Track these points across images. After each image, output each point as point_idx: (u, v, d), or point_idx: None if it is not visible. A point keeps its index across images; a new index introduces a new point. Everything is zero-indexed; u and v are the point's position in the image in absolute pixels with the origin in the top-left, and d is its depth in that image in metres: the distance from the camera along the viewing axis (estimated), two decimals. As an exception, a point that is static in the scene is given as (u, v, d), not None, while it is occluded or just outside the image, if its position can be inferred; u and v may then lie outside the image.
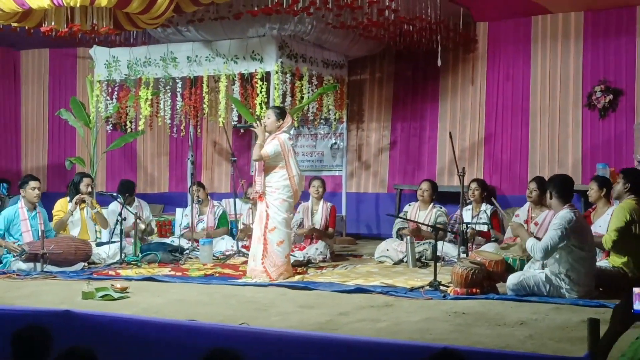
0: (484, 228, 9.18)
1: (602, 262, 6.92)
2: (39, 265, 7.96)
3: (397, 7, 9.21)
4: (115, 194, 9.60)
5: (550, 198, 6.59)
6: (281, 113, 8.04)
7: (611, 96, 10.32)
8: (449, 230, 9.10)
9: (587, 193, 7.92)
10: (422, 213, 9.46)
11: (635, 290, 5.86)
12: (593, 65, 10.55)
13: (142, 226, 9.51)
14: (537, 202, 8.68)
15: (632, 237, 6.76)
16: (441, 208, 9.55)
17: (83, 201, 9.08)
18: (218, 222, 10.22)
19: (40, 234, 8.15)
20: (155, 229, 10.46)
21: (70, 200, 9.13)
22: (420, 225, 9.00)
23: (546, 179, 8.64)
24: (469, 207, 9.46)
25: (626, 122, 10.27)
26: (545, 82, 10.87)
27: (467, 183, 9.69)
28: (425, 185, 9.60)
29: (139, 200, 10.37)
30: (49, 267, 7.99)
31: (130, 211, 9.23)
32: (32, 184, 8.55)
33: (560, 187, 6.58)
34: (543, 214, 8.41)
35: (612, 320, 3.58)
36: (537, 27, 10.95)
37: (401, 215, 9.84)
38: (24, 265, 8.03)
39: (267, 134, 7.95)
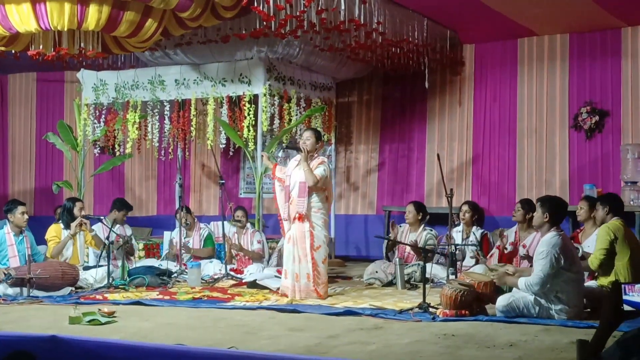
0: (473, 249, 9.18)
1: (589, 283, 6.94)
2: (25, 290, 7.89)
3: (385, 30, 9.26)
4: (101, 218, 9.55)
5: (544, 217, 6.55)
6: (319, 135, 8.19)
7: (597, 117, 10.39)
8: (438, 252, 9.09)
9: (577, 213, 7.98)
10: (413, 235, 9.47)
11: (624, 286, 5.90)
12: (579, 86, 10.64)
13: (119, 243, 9.37)
14: (522, 221, 8.70)
15: (614, 256, 6.81)
16: (431, 230, 9.55)
17: (83, 223, 9.05)
18: (204, 243, 10.18)
19: (27, 258, 8.08)
20: (138, 250, 10.33)
21: (65, 227, 9.07)
22: (412, 247, 9.02)
23: (534, 199, 8.69)
24: (459, 228, 9.47)
25: (612, 143, 10.34)
26: (532, 103, 10.94)
27: (458, 205, 9.70)
28: (409, 207, 9.62)
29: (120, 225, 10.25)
30: (36, 292, 7.91)
31: (114, 232, 9.16)
32: (21, 208, 8.51)
33: (553, 209, 6.55)
34: (531, 236, 8.42)
35: (601, 319, 3.57)
36: (524, 49, 11.04)
37: (390, 235, 9.83)
38: (10, 290, 7.95)
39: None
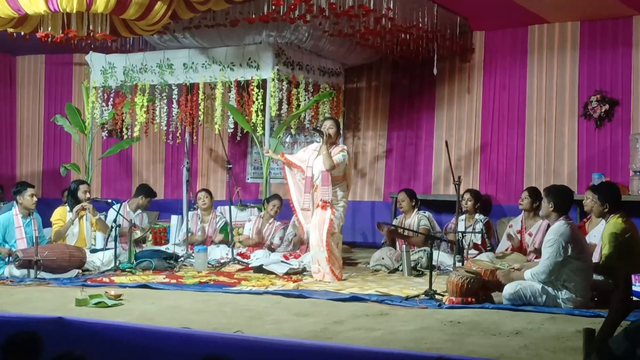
0: (478, 237, 9.18)
1: (596, 277, 6.87)
2: (32, 271, 7.92)
3: (394, 15, 9.21)
4: (110, 201, 9.58)
5: (550, 207, 6.52)
6: (339, 125, 8.55)
7: (607, 106, 10.32)
8: (437, 237, 9.06)
9: (583, 202, 7.89)
10: (408, 221, 9.55)
11: (633, 277, 5.85)
12: (589, 75, 10.56)
13: (138, 233, 9.49)
14: (529, 209, 8.70)
15: (624, 254, 6.68)
16: (425, 212, 9.62)
17: (83, 209, 9.07)
18: (218, 233, 10.22)
19: (34, 240, 8.11)
20: (150, 237, 10.42)
21: (70, 210, 9.10)
22: (408, 231, 9.10)
23: (541, 188, 8.66)
24: (463, 216, 9.48)
25: (622, 132, 10.27)
26: (542, 91, 10.88)
27: (462, 193, 9.71)
28: (400, 196, 9.73)
29: (141, 210, 10.33)
30: (43, 274, 7.95)
31: (124, 218, 9.21)
32: (30, 191, 8.56)
33: (559, 198, 6.52)
34: (537, 224, 8.43)
35: (611, 308, 3.56)
36: (534, 37, 10.95)
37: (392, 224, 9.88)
38: (17, 272, 8.00)
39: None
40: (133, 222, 9.36)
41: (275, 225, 10.01)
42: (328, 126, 8.22)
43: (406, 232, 9.28)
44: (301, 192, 8.36)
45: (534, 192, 8.81)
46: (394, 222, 9.98)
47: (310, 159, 8.25)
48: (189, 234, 9.98)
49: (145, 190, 10.33)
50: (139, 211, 10.21)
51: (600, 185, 7.51)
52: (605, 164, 10.33)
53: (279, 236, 9.95)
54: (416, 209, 9.68)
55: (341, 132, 11.58)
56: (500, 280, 6.62)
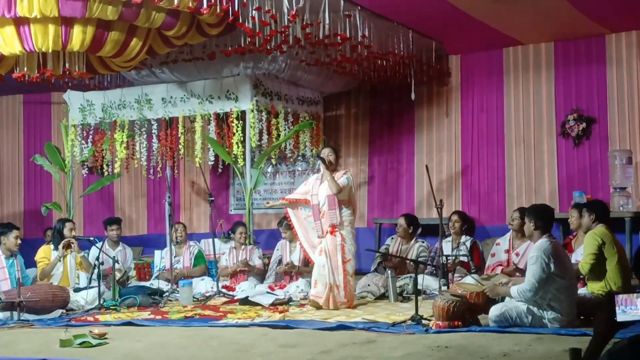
0: (464, 260, 9.18)
1: (580, 290, 6.95)
2: (15, 314, 7.83)
3: (370, 43, 9.27)
4: (92, 238, 9.52)
5: (530, 223, 6.58)
6: (337, 152, 8.76)
7: (584, 124, 10.42)
8: (429, 263, 9.10)
9: (569, 221, 8.03)
10: (405, 247, 9.52)
11: (617, 297, 5.89)
12: (565, 94, 10.67)
13: (118, 275, 9.41)
14: (518, 230, 8.73)
15: (605, 261, 6.87)
16: (423, 242, 9.59)
17: (69, 246, 9.00)
18: (194, 262, 10.15)
19: (17, 281, 8.03)
20: (134, 275, 10.33)
21: (55, 248, 9.03)
22: (403, 259, 9.07)
23: (525, 207, 8.73)
24: (449, 239, 9.49)
25: (600, 149, 10.36)
26: (519, 112, 10.97)
27: (448, 215, 9.73)
28: (401, 220, 9.69)
29: (123, 244, 10.25)
30: (26, 315, 7.85)
31: (108, 255, 9.15)
32: (15, 232, 8.50)
33: (540, 217, 6.59)
34: (524, 245, 8.47)
35: (595, 330, 3.56)
36: (509, 59, 11.07)
37: (382, 249, 9.85)
38: (0, 315, 7.90)
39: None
40: (115, 258, 9.28)
41: (248, 249, 9.99)
42: (327, 153, 8.39)
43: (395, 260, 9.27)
44: (307, 230, 8.53)
45: (523, 212, 8.86)
46: (388, 241, 9.90)
47: (314, 188, 8.42)
48: (165, 270, 9.89)
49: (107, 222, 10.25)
50: (120, 247, 10.11)
51: (592, 201, 7.75)
52: (586, 182, 10.40)
53: (257, 256, 9.93)
54: (415, 237, 9.63)
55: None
56: (487, 294, 6.65)
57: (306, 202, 8.53)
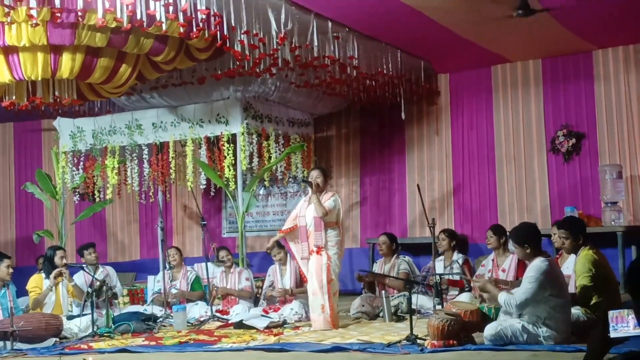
0: (457, 278, 9.17)
1: (574, 310, 6.90)
2: (8, 343, 7.77)
3: (359, 63, 9.32)
4: (84, 266, 9.47)
5: (523, 248, 6.53)
6: (326, 173, 8.70)
7: (574, 140, 10.47)
8: (421, 282, 9.09)
9: (552, 239, 7.97)
10: (387, 266, 9.53)
11: (611, 313, 5.89)
12: (554, 110, 10.72)
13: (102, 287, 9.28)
14: (497, 246, 8.74)
15: (598, 287, 6.77)
16: (404, 257, 9.61)
17: (61, 274, 8.94)
18: (191, 287, 10.09)
19: (9, 310, 7.98)
20: (126, 296, 10.25)
21: (46, 276, 8.97)
22: (387, 277, 9.11)
23: (517, 224, 8.70)
24: (441, 257, 9.49)
25: (590, 164, 10.40)
26: (509, 129, 11.02)
27: (437, 234, 9.73)
28: (381, 239, 9.70)
29: (102, 266, 10.13)
30: (19, 345, 7.79)
31: (96, 279, 9.07)
32: (7, 262, 8.42)
33: (529, 239, 6.53)
34: (508, 260, 8.50)
35: (589, 346, 3.55)
36: (498, 76, 11.14)
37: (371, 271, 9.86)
38: (-7, 344, 7.85)
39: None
40: (108, 284, 9.21)
41: (237, 271, 9.93)
42: (315, 176, 8.35)
43: (386, 280, 9.26)
44: (299, 242, 8.45)
45: (497, 229, 8.89)
46: (374, 267, 9.95)
47: (302, 210, 8.41)
48: (160, 293, 9.83)
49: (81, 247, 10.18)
50: (101, 269, 9.97)
51: (567, 221, 7.51)
52: (577, 197, 10.43)
53: (245, 277, 9.86)
54: (396, 254, 9.66)
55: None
56: (478, 287, 6.61)
57: (293, 229, 8.51)
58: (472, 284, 6.74)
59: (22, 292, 9.17)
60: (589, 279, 6.71)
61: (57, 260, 9.03)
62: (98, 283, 9.05)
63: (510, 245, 7.03)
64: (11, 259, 8.63)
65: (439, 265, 9.31)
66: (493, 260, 8.88)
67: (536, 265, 6.38)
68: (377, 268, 9.74)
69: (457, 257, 9.47)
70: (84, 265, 9.49)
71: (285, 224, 8.73)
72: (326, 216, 8.18)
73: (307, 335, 7.83)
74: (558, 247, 7.66)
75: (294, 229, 8.51)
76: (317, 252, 8.21)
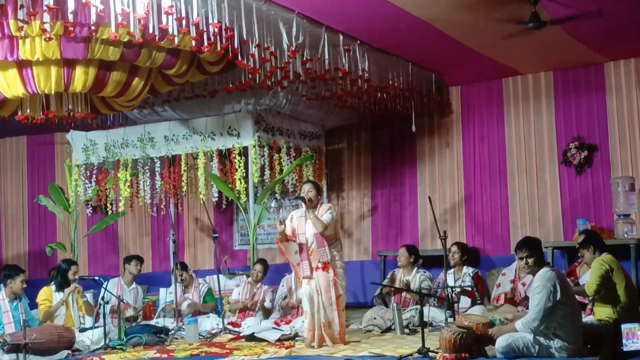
0: (469, 289, 9.15)
1: (587, 318, 6.92)
2: (21, 356, 7.79)
3: (370, 76, 9.34)
4: (97, 278, 9.49)
5: (526, 262, 6.57)
6: (319, 187, 8.40)
7: (586, 152, 10.44)
8: (433, 295, 9.08)
9: (585, 262, 7.98)
10: (407, 277, 9.52)
11: (624, 327, 5.91)
12: (566, 122, 10.70)
13: (129, 312, 9.41)
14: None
15: (613, 287, 6.87)
16: (425, 272, 9.59)
17: (76, 291, 8.98)
18: (204, 300, 10.12)
19: (22, 323, 8.01)
20: (140, 315, 10.30)
21: (57, 289, 9.01)
22: (405, 291, 9.05)
23: (529, 236, 8.71)
24: (451, 270, 9.47)
25: (603, 176, 10.37)
26: (521, 141, 11.00)
27: (449, 246, 9.72)
28: (401, 251, 9.72)
29: (136, 284, 10.23)
30: (32, 357, 7.80)
31: (112, 294, 9.13)
32: (22, 277, 8.44)
33: (536, 250, 6.62)
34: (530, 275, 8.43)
35: (602, 358, 3.54)
36: (509, 89, 11.13)
37: (385, 282, 9.85)
38: (6, 357, 7.86)
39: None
40: (122, 298, 9.25)
41: (263, 289, 9.96)
42: (307, 190, 8.12)
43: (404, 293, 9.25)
44: (298, 263, 8.21)
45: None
46: (386, 280, 9.94)
47: (300, 227, 8.14)
48: (171, 304, 9.87)
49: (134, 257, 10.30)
50: (133, 286, 10.10)
51: (584, 238, 7.67)
52: (589, 210, 10.39)
53: (269, 299, 9.89)
54: (416, 268, 9.64)
55: (324, 191, 11.64)
56: (494, 337, 6.59)
57: (289, 240, 8.22)
58: (490, 333, 6.67)
59: (33, 304, 9.20)
60: (603, 272, 6.97)
61: (70, 275, 9.06)
62: (130, 312, 9.17)
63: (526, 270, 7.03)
64: (26, 272, 8.67)
65: (450, 278, 9.29)
66: (516, 270, 8.85)
67: (541, 274, 6.42)
68: (397, 277, 9.69)
69: (468, 270, 9.46)
70: (96, 278, 9.51)
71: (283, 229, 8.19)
72: (326, 230, 7.98)
73: (319, 348, 7.82)
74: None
75: (290, 239, 8.22)
76: (323, 269, 8.00)
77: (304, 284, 8.10)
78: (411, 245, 10.11)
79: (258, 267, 9.98)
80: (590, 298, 7.24)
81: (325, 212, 8.04)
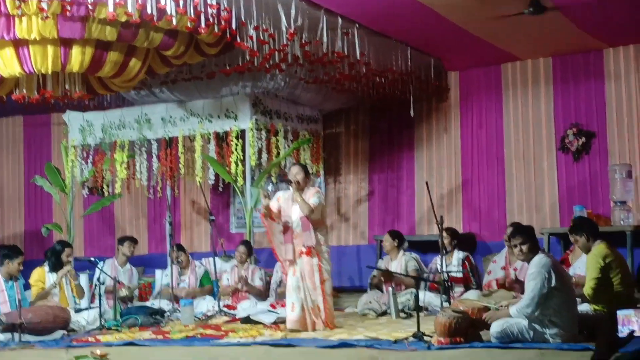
0: (457, 275, 9.18)
1: (583, 306, 6.91)
2: (16, 335, 7.80)
3: (368, 60, 9.30)
4: (93, 259, 9.50)
5: (520, 250, 6.57)
6: (307, 169, 8.25)
7: (584, 139, 10.43)
8: (427, 279, 9.08)
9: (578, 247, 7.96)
10: (394, 263, 9.54)
11: (619, 313, 5.90)
12: (564, 109, 10.68)
13: (124, 292, 9.40)
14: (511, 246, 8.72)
15: (609, 281, 6.81)
16: (411, 254, 9.62)
17: (69, 274, 8.97)
18: (200, 282, 10.13)
19: (17, 303, 8.01)
20: (136, 297, 10.31)
21: (51, 270, 8.99)
22: (395, 274, 9.06)
23: (524, 223, 8.73)
24: (444, 256, 9.47)
25: (600, 163, 10.36)
26: (519, 127, 10.98)
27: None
28: (385, 237, 9.79)
29: (130, 265, 10.23)
30: (27, 337, 7.83)
31: (108, 275, 9.13)
32: (21, 258, 8.44)
33: (531, 236, 6.61)
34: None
35: (598, 345, 3.53)
36: (507, 74, 11.10)
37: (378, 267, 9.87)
38: (1, 336, 7.87)
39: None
40: (117, 279, 9.24)
41: (251, 269, 9.96)
42: (295, 172, 8.01)
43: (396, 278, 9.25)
44: (281, 242, 8.11)
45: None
46: (379, 263, 9.95)
47: (287, 209, 8.07)
48: (167, 286, 9.86)
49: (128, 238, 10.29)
50: (127, 267, 10.11)
51: (574, 224, 7.54)
52: (586, 197, 10.39)
53: (259, 277, 9.89)
54: (402, 251, 9.64)
55: (322, 175, 11.62)
56: (488, 322, 6.59)
57: (272, 219, 8.11)
58: (484, 318, 6.66)
59: (28, 285, 9.19)
60: (598, 271, 6.80)
61: (63, 257, 9.04)
62: (126, 291, 9.16)
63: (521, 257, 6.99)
64: (24, 255, 8.64)
65: (442, 264, 9.30)
66: (506, 256, 8.86)
67: (536, 261, 6.42)
68: (382, 265, 9.74)
69: (459, 254, 9.48)
70: (91, 259, 9.52)
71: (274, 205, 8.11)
72: (312, 214, 7.88)
73: (314, 330, 7.82)
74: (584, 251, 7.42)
75: (276, 214, 8.11)
76: (307, 253, 7.90)
77: (290, 276, 8.00)
78: (394, 230, 10.10)
79: (241, 248, 10.00)
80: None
81: (312, 196, 7.94)
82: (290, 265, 8.00)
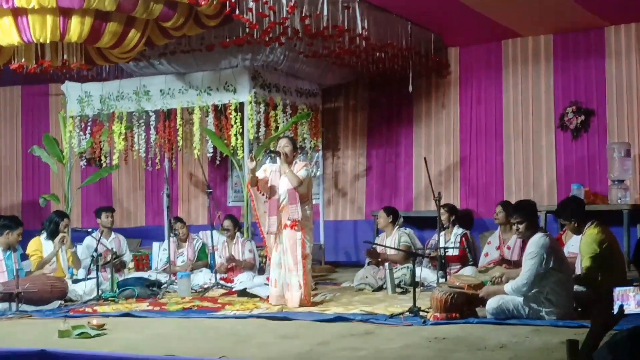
0: (456, 250, 9.20)
1: (578, 287, 6.91)
2: (13, 304, 7.83)
3: (368, 35, 9.26)
4: (90, 230, 9.51)
5: (517, 228, 6.57)
6: (295, 142, 8.21)
7: (583, 117, 10.42)
8: (425, 255, 9.09)
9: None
10: (389, 239, 9.53)
11: (617, 290, 5.90)
12: (564, 86, 10.67)
13: (110, 257, 9.34)
14: (505, 222, 8.73)
15: (605, 267, 6.78)
16: (405, 229, 9.62)
17: (63, 240, 8.98)
18: (198, 255, 10.14)
19: (15, 273, 8.03)
20: (131, 263, 10.31)
21: (47, 237, 9.02)
22: (389, 249, 9.08)
23: (521, 201, 8.71)
24: (443, 232, 9.49)
25: (598, 142, 10.37)
26: (518, 104, 10.97)
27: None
28: (379, 213, 9.78)
29: (115, 233, 10.24)
30: (24, 307, 7.85)
31: (105, 245, 9.14)
32: (20, 230, 8.44)
33: (530, 214, 6.60)
34: (514, 237, 8.44)
35: (592, 322, 3.54)
36: (508, 51, 11.07)
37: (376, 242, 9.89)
38: (-1, 306, 7.90)
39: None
40: (113, 249, 9.26)
41: (240, 242, 9.96)
42: (283, 145, 7.95)
43: (387, 250, 9.25)
44: (265, 212, 8.05)
45: (508, 206, 8.85)
46: (376, 240, 9.98)
47: (274, 180, 7.99)
48: (169, 264, 9.87)
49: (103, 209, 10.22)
50: (113, 236, 10.07)
51: (559, 207, 7.50)
52: (584, 175, 10.41)
53: (248, 249, 9.88)
54: (397, 227, 9.65)
55: (319, 147, 11.60)
56: (483, 297, 6.61)
57: (259, 189, 8.03)
58: (479, 294, 6.66)
59: (25, 256, 9.20)
60: (593, 260, 6.74)
61: (61, 227, 9.06)
62: (111, 255, 9.12)
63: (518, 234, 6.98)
64: (23, 225, 8.65)
65: (441, 240, 9.31)
66: (499, 236, 8.88)
67: (535, 240, 6.41)
68: (380, 240, 9.76)
69: (457, 231, 9.49)
70: (89, 230, 9.53)
71: (261, 174, 8.03)
72: (300, 186, 7.78)
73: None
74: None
75: (265, 183, 7.99)
76: (292, 227, 7.82)
77: (273, 252, 7.95)
78: (389, 206, 10.09)
79: (226, 222, 9.98)
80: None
81: (301, 169, 7.89)
82: (275, 241, 7.97)
